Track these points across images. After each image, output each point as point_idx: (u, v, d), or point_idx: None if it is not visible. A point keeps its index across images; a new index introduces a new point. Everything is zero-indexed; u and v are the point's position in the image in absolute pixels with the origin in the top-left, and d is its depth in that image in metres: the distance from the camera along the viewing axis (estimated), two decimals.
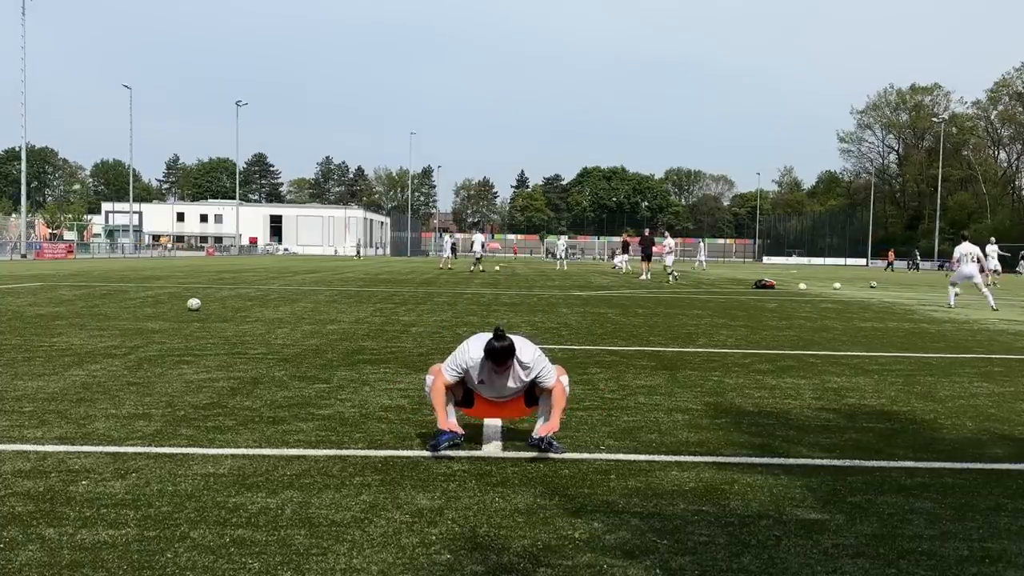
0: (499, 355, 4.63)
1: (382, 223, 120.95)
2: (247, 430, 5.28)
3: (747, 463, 4.77)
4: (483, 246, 39.52)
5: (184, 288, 19.56)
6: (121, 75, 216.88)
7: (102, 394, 6.36)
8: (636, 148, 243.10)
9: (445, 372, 4.82)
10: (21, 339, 9.54)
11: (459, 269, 38.70)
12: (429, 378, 4.95)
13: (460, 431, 4.83)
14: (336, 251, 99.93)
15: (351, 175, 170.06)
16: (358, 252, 75.62)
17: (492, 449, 4.96)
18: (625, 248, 43.51)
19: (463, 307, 15.85)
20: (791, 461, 4.83)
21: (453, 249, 44.31)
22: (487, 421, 5.50)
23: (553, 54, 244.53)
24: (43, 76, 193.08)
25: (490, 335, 4.73)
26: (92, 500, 3.84)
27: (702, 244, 56.34)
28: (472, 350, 4.78)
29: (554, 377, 4.85)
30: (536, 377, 4.80)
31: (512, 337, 4.72)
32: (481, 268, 37.54)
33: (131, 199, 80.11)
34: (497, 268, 42.47)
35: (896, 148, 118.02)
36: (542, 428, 4.83)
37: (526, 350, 4.78)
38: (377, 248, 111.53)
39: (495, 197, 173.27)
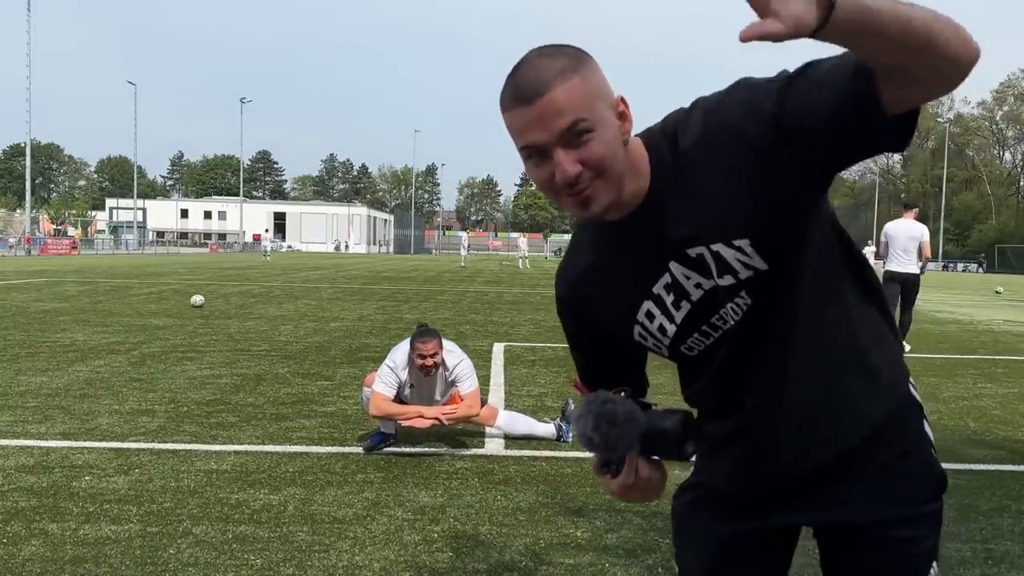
0: (422, 334, 4.60)
1: (385, 221, 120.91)
2: (250, 427, 5.30)
3: None
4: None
5: (188, 284, 19.59)
6: (126, 71, 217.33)
7: (105, 390, 6.37)
8: None
9: (380, 389, 4.67)
10: (25, 335, 9.56)
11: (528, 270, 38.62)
12: (366, 390, 4.88)
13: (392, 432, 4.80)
14: (339, 248, 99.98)
15: (355, 172, 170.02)
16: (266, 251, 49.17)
17: (495, 447, 4.96)
18: None
19: (466, 305, 15.84)
20: None
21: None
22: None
23: None
24: (49, 72, 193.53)
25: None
26: (95, 496, 3.85)
27: (522, 240, 47.71)
28: (395, 354, 4.74)
29: (473, 386, 4.75)
30: (455, 378, 4.73)
31: (444, 340, 4.73)
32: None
33: (135, 195, 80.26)
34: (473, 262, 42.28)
35: None
36: (448, 405, 4.76)
37: (454, 353, 4.75)
38: (381, 246, 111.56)
39: (499, 195, 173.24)
